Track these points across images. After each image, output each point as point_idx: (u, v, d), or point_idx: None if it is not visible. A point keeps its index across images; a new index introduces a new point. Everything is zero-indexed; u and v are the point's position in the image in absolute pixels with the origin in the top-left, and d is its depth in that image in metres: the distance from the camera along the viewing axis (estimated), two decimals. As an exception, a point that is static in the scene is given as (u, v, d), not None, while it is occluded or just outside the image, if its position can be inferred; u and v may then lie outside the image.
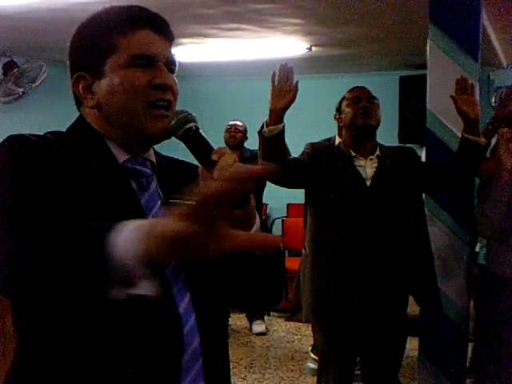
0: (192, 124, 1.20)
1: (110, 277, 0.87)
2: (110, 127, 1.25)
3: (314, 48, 5.29)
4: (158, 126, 1.22)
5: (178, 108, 1.27)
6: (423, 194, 2.87)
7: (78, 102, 1.30)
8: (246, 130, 5.31)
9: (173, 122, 1.20)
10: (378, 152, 2.74)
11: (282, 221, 6.50)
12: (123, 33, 1.23)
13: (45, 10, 3.80)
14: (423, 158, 3.41)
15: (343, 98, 2.81)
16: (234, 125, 5.33)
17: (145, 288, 0.88)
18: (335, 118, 2.88)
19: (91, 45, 1.24)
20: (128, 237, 0.87)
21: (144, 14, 1.28)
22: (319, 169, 2.67)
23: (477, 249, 3.83)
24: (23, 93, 6.19)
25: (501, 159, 2.83)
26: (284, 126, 2.47)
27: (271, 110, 2.45)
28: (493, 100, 6.08)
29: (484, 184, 2.89)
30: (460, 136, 2.70)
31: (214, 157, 1.17)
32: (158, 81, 1.22)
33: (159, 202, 1.25)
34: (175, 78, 1.31)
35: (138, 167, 1.26)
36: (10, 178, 1.10)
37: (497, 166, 2.84)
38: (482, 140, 2.63)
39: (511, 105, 3.28)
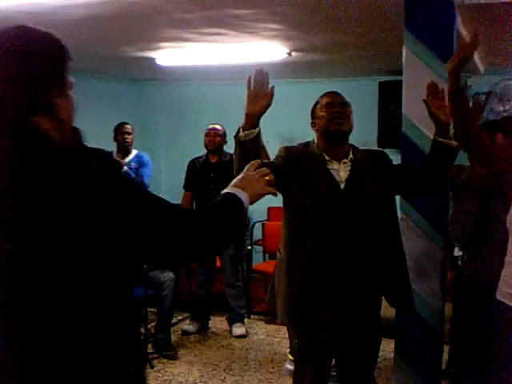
0: None
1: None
2: None
3: (293, 53, 5.32)
4: None
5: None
6: (397, 197, 2.91)
7: None
8: (225, 134, 5.33)
9: None
10: (351, 155, 2.77)
11: (263, 224, 6.54)
12: None
13: (26, 14, 3.79)
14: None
15: (317, 103, 2.83)
16: (214, 129, 5.35)
17: None
18: (312, 126, 2.89)
19: None
20: (245, 198, 1.68)
21: None
22: (293, 172, 2.69)
23: (455, 253, 3.89)
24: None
25: (472, 165, 2.89)
26: (260, 131, 2.50)
27: (247, 115, 2.47)
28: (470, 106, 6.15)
29: (456, 189, 2.95)
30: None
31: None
32: None
33: None
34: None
35: None
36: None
37: (469, 172, 2.90)
38: (453, 143, 2.68)
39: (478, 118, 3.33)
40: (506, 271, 2.48)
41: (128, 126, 5.62)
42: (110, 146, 5.67)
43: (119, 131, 5.62)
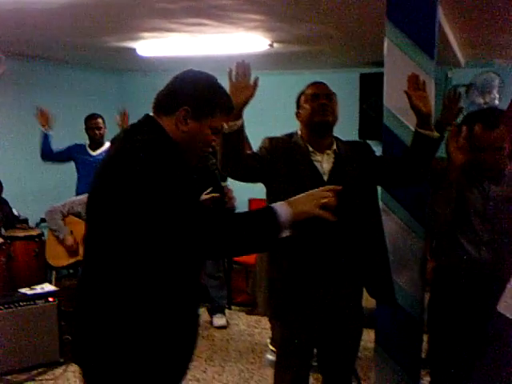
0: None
1: (276, 231, 1.80)
2: None
3: (275, 44, 5.30)
4: None
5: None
6: (379, 188, 2.92)
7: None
8: None
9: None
10: (334, 147, 2.77)
11: (244, 216, 6.53)
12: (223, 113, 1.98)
13: (3, 3, 3.74)
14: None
15: (302, 93, 2.83)
16: None
17: (288, 233, 1.81)
18: (297, 116, 2.89)
19: (206, 102, 1.93)
20: (284, 212, 1.80)
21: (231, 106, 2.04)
22: (277, 163, 2.69)
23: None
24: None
25: (450, 156, 2.90)
26: (243, 122, 2.49)
27: None
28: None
29: (435, 180, 2.96)
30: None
31: (225, 191, 2.20)
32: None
33: None
34: None
35: None
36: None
37: (447, 163, 2.91)
38: (435, 134, 2.69)
39: (455, 108, 3.35)
40: None
41: (98, 121, 5.62)
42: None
43: (89, 125, 5.62)
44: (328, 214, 1.87)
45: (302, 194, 1.89)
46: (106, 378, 1.86)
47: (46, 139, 5.60)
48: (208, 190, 2.27)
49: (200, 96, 1.92)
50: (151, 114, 1.96)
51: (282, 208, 1.81)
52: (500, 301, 2.36)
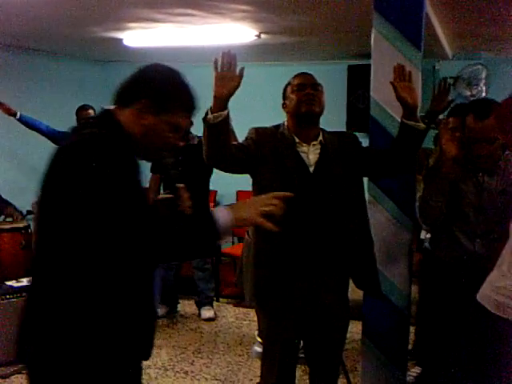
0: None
1: (215, 237, 1.74)
2: None
3: (262, 35, 5.29)
4: None
5: None
6: (365, 180, 2.91)
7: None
8: None
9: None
10: (320, 138, 2.76)
11: (232, 208, 6.52)
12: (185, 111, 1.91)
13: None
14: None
15: (288, 84, 2.82)
16: None
17: (226, 240, 2.01)
18: (283, 107, 2.88)
19: (166, 97, 1.84)
20: (225, 218, 1.72)
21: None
22: (263, 154, 2.68)
23: (422, 236, 3.92)
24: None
25: (443, 148, 2.90)
26: (228, 113, 2.48)
27: (215, 97, 2.45)
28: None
29: (429, 173, 2.96)
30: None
31: (180, 193, 2.06)
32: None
33: None
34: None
35: None
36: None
37: (440, 155, 2.91)
38: (421, 125, 2.68)
39: (445, 99, 3.36)
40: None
41: (89, 112, 5.55)
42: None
43: (80, 116, 5.57)
44: (269, 224, 1.78)
45: (247, 200, 1.84)
46: (51, 378, 1.78)
47: (26, 122, 5.55)
48: (163, 192, 2.19)
49: (161, 90, 1.84)
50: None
51: (223, 213, 1.74)
52: (480, 290, 2.38)
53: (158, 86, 1.84)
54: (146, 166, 5.60)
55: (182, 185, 2.13)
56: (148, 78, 1.87)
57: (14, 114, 5.52)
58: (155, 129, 1.84)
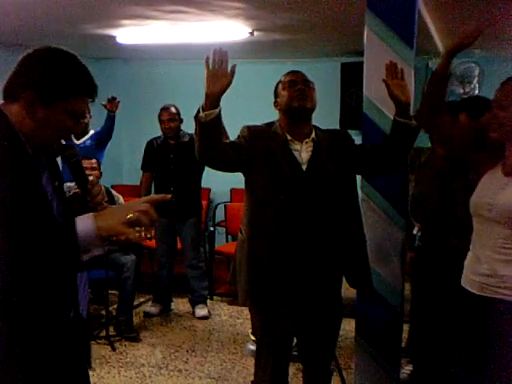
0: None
1: (79, 249, 1.51)
2: None
3: (256, 33, 5.27)
4: None
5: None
6: (358, 178, 2.91)
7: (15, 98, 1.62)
8: (179, 114, 5.27)
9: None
10: (313, 135, 2.76)
11: (225, 206, 6.52)
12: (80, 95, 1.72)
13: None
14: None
15: (279, 82, 2.81)
16: (168, 114, 5.25)
17: (97, 252, 1.56)
18: (275, 105, 2.87)
19: (53, 85, 1.62)
20: (86, 229, 1.52)
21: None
22: (255, 152, 2.67)
23: (414, 232, 3.93)
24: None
25: (434, 146, 2.91)
26: (220, 111, 2.47)
27: (207, 95, 2.44)
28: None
29: (417, 170, 2.97)
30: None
31: (89, 186, 1.77)
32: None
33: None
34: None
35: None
36: None
37: (429, 154, 2.91)
38: (413, 123, 2.69)
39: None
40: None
41: None
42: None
43: None
44: (134, 236, 1.57)
45: (118, 205, 1.68)
46: None
47: None
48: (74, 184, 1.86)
49: (45, 78, 1.61)
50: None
51: (85, 223, 1.53)
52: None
53: (41, 75, 1.61)
54: (137, 164, 5.63)
55: (91, 177, 1.92)
56: (31, 67, 1.64)
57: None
58: (50, 121, 1.63)
